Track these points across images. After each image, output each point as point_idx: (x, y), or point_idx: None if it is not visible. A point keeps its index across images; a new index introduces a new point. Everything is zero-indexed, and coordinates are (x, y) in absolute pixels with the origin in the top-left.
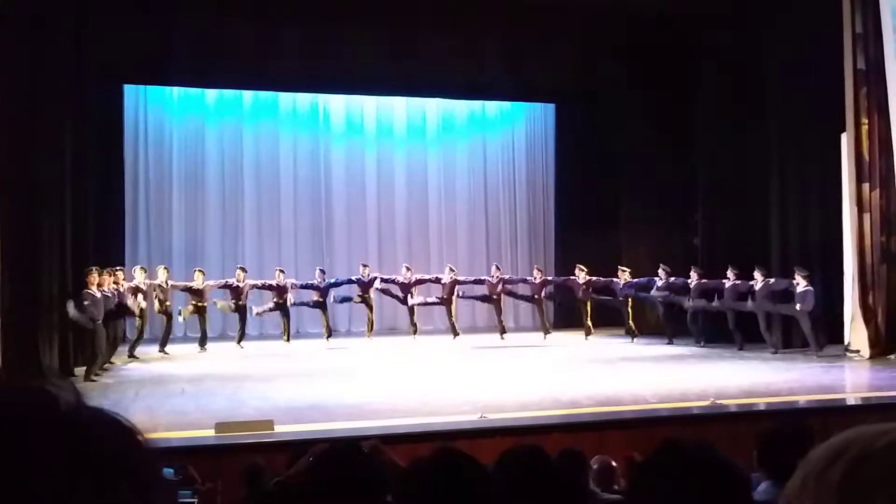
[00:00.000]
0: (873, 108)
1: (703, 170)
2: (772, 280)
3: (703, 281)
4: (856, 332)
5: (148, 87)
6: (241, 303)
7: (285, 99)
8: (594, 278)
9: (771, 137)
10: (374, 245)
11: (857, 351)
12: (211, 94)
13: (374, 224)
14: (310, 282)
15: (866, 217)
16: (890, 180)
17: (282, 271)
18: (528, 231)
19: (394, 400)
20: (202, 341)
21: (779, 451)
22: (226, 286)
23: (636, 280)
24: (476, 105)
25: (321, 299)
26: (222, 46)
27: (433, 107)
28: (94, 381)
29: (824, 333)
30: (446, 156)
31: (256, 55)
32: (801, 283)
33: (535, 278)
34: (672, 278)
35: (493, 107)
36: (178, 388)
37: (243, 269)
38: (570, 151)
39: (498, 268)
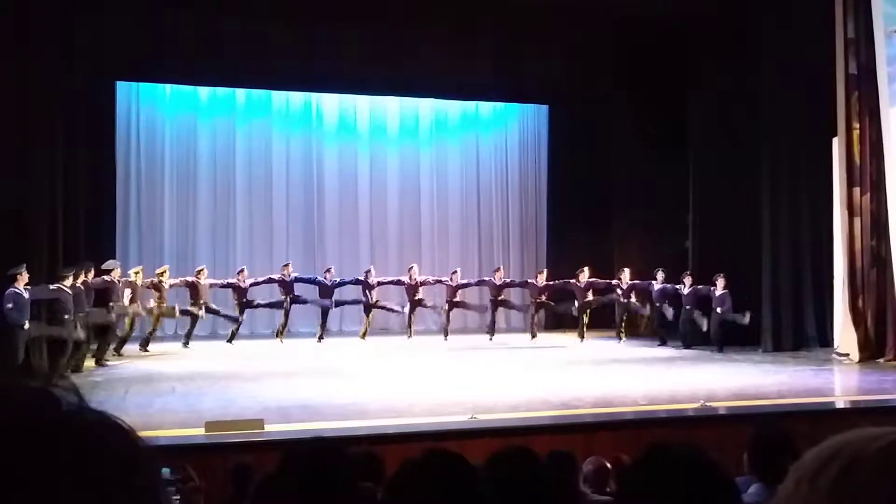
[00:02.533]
0: (865, 112)
1: (694, 172)
2: (700, 286)
3: (636, 282)
4: (845, 336)
5: (141, 84)
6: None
7: (278, 97)
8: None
9: (762, 140)
10: (365, 244)
11: (847, 354)
12: (204, 92)
13: (366, 223)
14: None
15: (857, 221)
16: (880, 184)
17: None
18: (521, 232)
19: (384, 400)
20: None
21: (769, 453)
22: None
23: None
24: (469, 105)
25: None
26: (216, 44)
27: (426, 107)
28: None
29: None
30: (439, 156)
31: (249, 53)
32: (719, 287)
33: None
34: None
35: (486, 107)
36: (168, 387)
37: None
38: (562, 153)
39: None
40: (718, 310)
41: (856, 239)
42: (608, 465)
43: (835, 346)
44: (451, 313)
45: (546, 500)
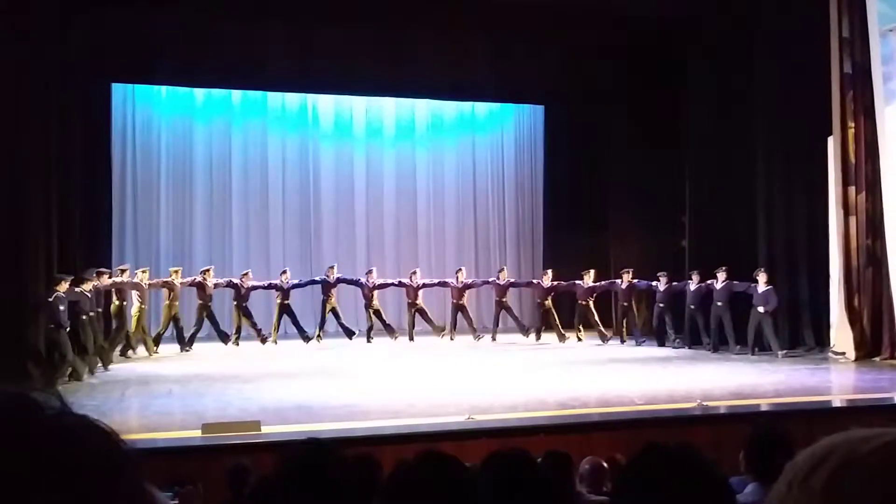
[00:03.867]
0: (860, 111)
1: (690, 172)
2: (735, 282)
3: (673, 284)
4: (841, 335)
5: (136, 85)
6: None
7: (274, 98)
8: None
9: (758, 140)
10: (362, 245)
11: (843, 353)
12: (200, 93)
13: (362, 224)
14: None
15: (852, 220)
16: (876, 184)
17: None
18: (517, 232)
19: (380, 401)
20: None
21: (765, 453)
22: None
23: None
24: (465, 106)
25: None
26: (211, 45)
27: (422, 107)
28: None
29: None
30: (435, 156)
31: (245, 54)
32: (761, 284)
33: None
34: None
35: (482, 108)
36: (165, 389)
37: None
38: (558, 153)
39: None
40: (761, 308)
41: (851, 238)
42: (605, 465)
43: (831, 345)
44: (501, 313)
45: (543, 500)
